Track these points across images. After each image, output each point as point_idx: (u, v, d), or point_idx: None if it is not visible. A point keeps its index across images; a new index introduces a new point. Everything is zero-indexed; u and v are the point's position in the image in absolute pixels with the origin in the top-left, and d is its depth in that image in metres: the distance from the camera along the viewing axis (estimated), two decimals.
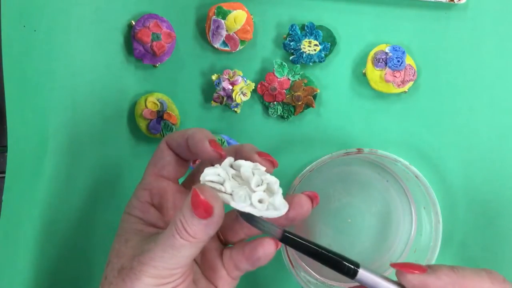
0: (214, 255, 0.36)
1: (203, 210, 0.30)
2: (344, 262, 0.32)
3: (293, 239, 0.32)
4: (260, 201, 0.31)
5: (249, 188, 0.32)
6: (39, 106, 0.46)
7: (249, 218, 0.32)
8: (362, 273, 0.32)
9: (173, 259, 0.31)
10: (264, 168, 0.33)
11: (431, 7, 0.47)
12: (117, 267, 0.33)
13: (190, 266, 0.33)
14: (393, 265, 0.33)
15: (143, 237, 0.34)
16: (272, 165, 0.35)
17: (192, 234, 0.31)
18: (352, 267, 0.32)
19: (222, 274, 0.36)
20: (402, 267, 0.32)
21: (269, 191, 0.32)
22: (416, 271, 0.32)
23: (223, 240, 0.37)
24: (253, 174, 0.32)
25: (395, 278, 0.33)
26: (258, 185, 0.32)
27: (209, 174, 0.32)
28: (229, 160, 0.33)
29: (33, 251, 0.46)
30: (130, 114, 0.47)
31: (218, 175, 0.32)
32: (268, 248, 0.34)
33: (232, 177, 0.32)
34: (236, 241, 0.37)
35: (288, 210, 0.33)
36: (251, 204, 0.31)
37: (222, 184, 0.32)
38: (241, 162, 0.33)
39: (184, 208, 0.31)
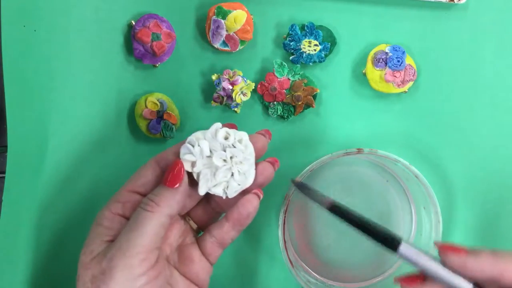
0: (192, 248, 0.38)
1: (170, 179, 0.35)
2: (389, 235, 0.34)
3: (340, 210, 0.35)
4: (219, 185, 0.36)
5: (215, 172, 0.36)
6: (39, 106, 0.46)
7: (302, 188, 0.37)
8: (404, 247, 0.34)
9: (138, 238, 0.33)
10: (251, 147, 0.36)
11: (431, 7, 0.47)
12: (88, 278, 0.34)
13: (159, 260, 0.35)
14: (437, 244, 0.35)
15: (108, 244, 0.35)
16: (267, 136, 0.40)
17: (156, 201, 0.34)
18: (396, 239, 0.34)
19: (202, 265, 0.38)
20: (446, 248, 0.34)
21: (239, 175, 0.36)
22: (459, 252, 0.34)
23: (197, 230, 0.40)
24: (228, 160, 0.36)
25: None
26: (225, 176, 0.36)
27: (184, 153, 0.36)
28: (215, 127, 0.36)
29: (33, 251, 0.46)
30: (130, 114, 0.47)
31: (192, 153, 0.35)
32: (255, 202, 0.37)
33: (210, 152, 0.36)
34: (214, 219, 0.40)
35: (255, 177, 0.37)
36: (211, 190, 0.36)
37: (193, 165, 0.36)
38: (224, 142, 0.36)
39: (157, 187, 0.36)
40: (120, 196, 0.37)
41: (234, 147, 0.36)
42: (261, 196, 0.38)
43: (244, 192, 0.37)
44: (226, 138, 0.36)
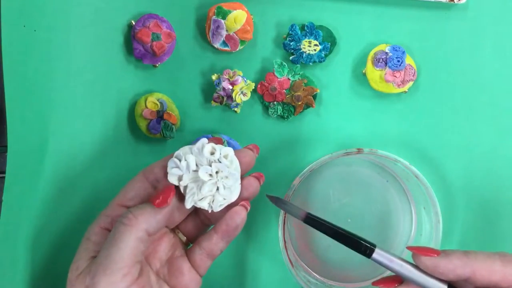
0: (181, 261, 0.38)
1: (158, 199, 0.35)
2: (362, 242, 0.35)
3: (315, 220, 0.36)
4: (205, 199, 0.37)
5: (201, 186, 0.36)
6: (39, 106, 0.46)
7: (277, 202, 0.38)
8: (378, 252, 0.35)
9: (117, 253, 0.33)
10: (237, 162, 0.37)
11: (431, 7, 0.47)
12: None
13: (143, 274, 0.35)
14: (410, 248, 0.35)
15: (90, 262, 0.35)
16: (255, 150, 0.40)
17: (135, 214, 0.34)
18: (369, 246, 0.35)
19: (192, 277, 0.38)
20: (418, 250, 0.35)
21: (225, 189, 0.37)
22: (430, 254, 0.34)
23: (186, 243, 0.40)
24: (213, 174, 0.36)
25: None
26: (210, 190, 0.36)
27: (171, 167, 0.36)
28: (201, 142, 0.36)
29: (33, 251, 0.46)
30: (130, 114, 0.47)
31: (178, 167, 0.36)
32: (242, 214, 0.37)
33: (196, 167, 0.36)
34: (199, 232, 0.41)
35: (241, 192, 0.37)
36: (197, 204, 0.36)
37: (180, 179, 0.36)
38: (209, 157, 0.36)
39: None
40: (109, 210, 0.37)
41: (220, 162, 0.36)
42: (249, 208, 0.38)
43: (230, 206, 0.38)
44: (212, 153, 0.36)
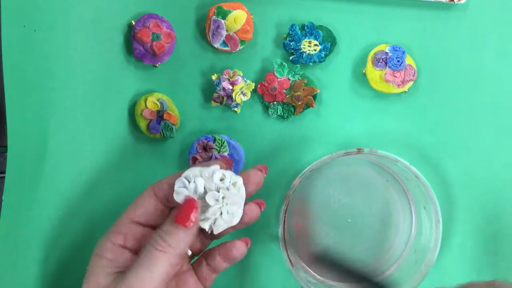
0: (188, 275, 0.39)
1: (184, 218, 0.35)
2: None
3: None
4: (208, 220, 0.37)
5: (204, 210, 0.37)
6: (39, 106, 0.46)
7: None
8: None
9: (150, 279, 0.33)
10: (243, 190, 0.37)
11: (431, 7, 0.47)
12: None
13: None
14: None
15: (115, 277, 0.35)
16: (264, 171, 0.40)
17: (169, 243, 0.34)
18: None
19: None
20: None
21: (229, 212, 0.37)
22: None
23: (191, 257, 0.41)
24: (219, 200, 0.37)
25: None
26: (214, 214, 0.37)
27: (179, 186, 0.36)
28: (213, 169, 0.37)
29: (33, 251, 0.46)
30: (130, 114, 0.47)
31: (186, 188, 0.36)
32: (241, 249, 0.39)
33: (204, 189, 0.37)
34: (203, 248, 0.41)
35: (242, 217, 0.38)
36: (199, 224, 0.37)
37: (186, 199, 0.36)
38: (217, 184, 0.37)
39: (166, 222, 0.35)
40: (121, 226, 0.37)
41: (228, 189, 0.37)
42: (249, 245, 0.40)
43: (229, 228, 0.38)
44: (221, 179, 0.37)
